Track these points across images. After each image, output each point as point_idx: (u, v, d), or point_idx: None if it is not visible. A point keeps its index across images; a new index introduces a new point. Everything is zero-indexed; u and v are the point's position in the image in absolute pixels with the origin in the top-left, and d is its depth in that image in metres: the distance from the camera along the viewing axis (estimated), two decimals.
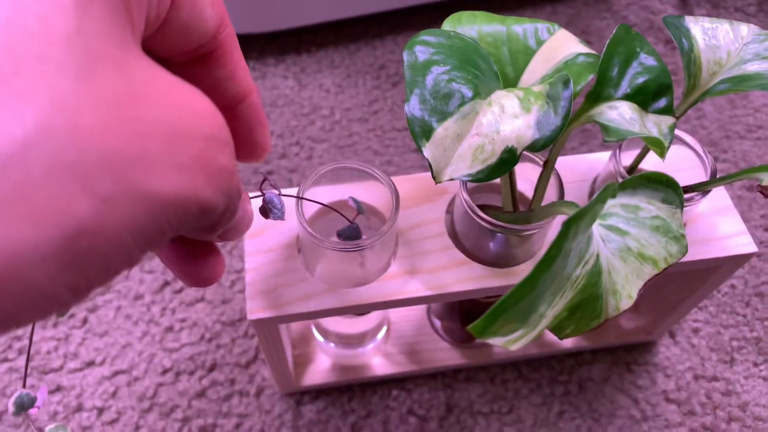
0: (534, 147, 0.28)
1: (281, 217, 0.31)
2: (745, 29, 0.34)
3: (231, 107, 0.24)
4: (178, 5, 0.20)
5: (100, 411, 0.47)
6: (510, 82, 0.33)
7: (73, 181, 0.13)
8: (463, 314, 0.46)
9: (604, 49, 0.30)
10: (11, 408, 0.28)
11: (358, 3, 0.66)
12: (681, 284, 0.43)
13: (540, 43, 0.33)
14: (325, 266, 0.36)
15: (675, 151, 0.37)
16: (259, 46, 0.69)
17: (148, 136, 0.14)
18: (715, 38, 0.34)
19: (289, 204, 0.33)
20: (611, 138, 0.29)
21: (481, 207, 0.40)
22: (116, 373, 0.49)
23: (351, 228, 0.33)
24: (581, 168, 0.40)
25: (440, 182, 0.28)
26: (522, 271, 0.36)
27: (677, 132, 0.36)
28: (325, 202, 0.37)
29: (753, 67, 0.33)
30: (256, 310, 0.34)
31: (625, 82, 0.31)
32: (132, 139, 0.14)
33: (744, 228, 0.38)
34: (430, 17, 0.71)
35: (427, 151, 0.27)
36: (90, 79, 0.13)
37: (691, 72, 0.33)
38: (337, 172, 0.35)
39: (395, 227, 0.35)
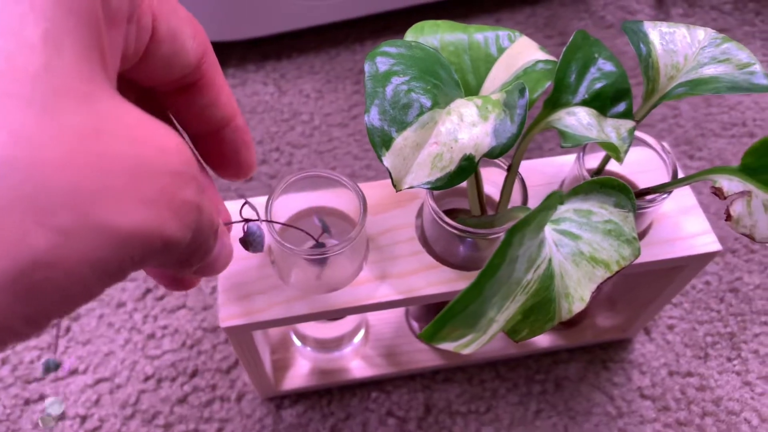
0: (492, 154, 0.28)
1: (261, 249, 0.32)
2: (702, 33, 0.35)
3: (216, 131, 0.25)
4: (158, 39, 0.21)
5: (83, 419, 0.48)
6: (472, 89, 0.34)
7: (29, 214, 0.13)
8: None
9: (561, 56, 0.31)
10: (40, 368, 0.31)
11: (338, 8, 0.67)
12: (651, 283, 0.44)
13: (501, 50, 0.34)
14: (299, 274, 0.36)
15: (640, 153, 0.38)
16: (240, 52, 0.69)
17: (111, 170, 0.14)
18: (673, 43, 0.34)
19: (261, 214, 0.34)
20: (567, 143, 0.30)
21: (451, 211, 0.41)
22: (99, 381, 0.49)
23: (318, 246, 0.34)
24: (549, 171, 0.41)
25: (400, 190, 0.28)
26: None
27: (641, 134, 0.37)
28: (296, 210, 0.38)
29: (709, 71, 0.33)
30: (228, 318, 0.35)
31: (582, 88, 0.32)
32: (94, 173, 0.14)
33: (708, 227, 0.39)
34: (408, 21, 0.72)
35: (387, 160, 0.28)
36: (55, 115, 0.14)
37: (650, 76, 0.34)
38: (306, 180, 0.35)
39: (364, 233, 0.35)
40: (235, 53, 0.69)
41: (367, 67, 0.29)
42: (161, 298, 0.53)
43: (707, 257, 0.39)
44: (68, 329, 0.51)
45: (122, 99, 0.16)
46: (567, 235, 0.26)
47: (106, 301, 0.53)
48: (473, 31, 0.34)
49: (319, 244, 0.34)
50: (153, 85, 0.23)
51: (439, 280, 0.37)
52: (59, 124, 0.14)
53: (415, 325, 0.50)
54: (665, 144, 0.37)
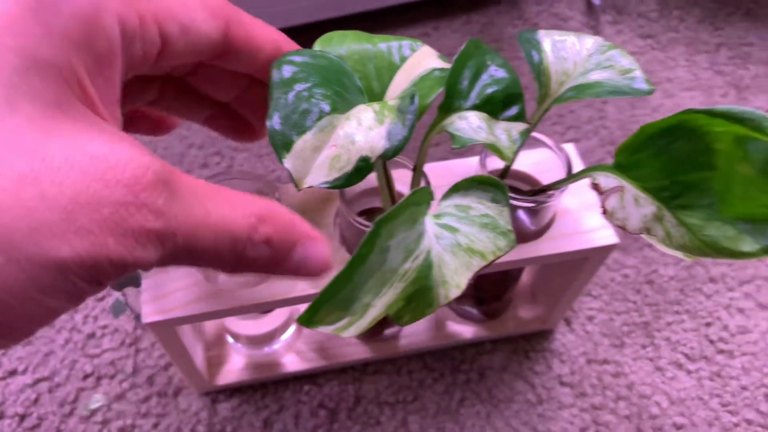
0: (386, 155, 0.31)
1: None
2: (590, 41, 0.37)
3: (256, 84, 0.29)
4: (171, 41, 0.23)
5: (22, 418, 0.49)
6: (377, 96, 0.36)
7: None
8: None
9: (452, 64, 0.33)
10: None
11: (298, 12, 0.68)
12: (563, 274, 0.47)
13: (403, 59, 0.36)
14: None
15: (545, 153, 0.41)
16: None
17: (46, 208, 0.17)
18: (564, 50, 0.37)
19: None
20: (456, 145, 0.32)
21: (370, 210, 0.43)
22: (38, 381, 0.51)
23: None
24: (459, 171, 0.43)
25: (301, 189, 0.30)
26: None
27: (539, 135, 0.40)
28: None
29: (594, 76, 0.36)
30: (150, 314, 0.37)
31: (474, 93, 0.34)
32: (27, 213, 0.16)
33: (606, 222, 0.42)
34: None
35: (288, 162, 0.30)
36: None
37: (542, 82, 0.36)
38: (225, 180, 0.37)
39: None
40: None
41: (273, 74, 0.32)
42: (101, 299, 0.55)
43: (606, 250, 0.41)
44: None
45: (88, 135, 0.18)
46: (447, 229, 0.29)
47: None
48: (378, 41, 0.37)
49: None
50: (180, 74, 0.25)
51: None
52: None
53: None
54: (562, 145, 0.40)
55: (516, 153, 0.35)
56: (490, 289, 0.50)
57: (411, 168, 0.37)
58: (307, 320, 0.24)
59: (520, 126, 0.35)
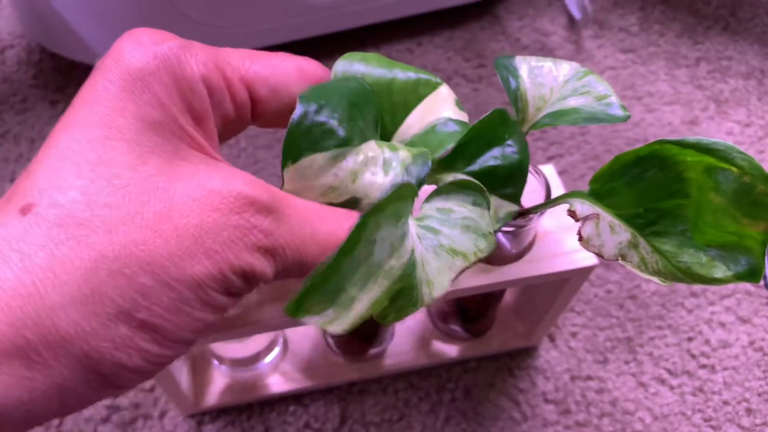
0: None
1: None
2: (567, 67, 0.38)
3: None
4: (261, 101, 0.27)
5: None
6: (388, 132, 0.35)
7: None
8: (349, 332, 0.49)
9: (472, 126, 0.33)
10: None
11: (283, 30, 0.69)
12: (545, 294, 0.47)
13: (420, 99, 0.35)
14: None
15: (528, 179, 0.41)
16: None
17: (179, 237, 0.21)
18: (541, 76, 0.37)
19: None
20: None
21: None
22: None
23: None
24: None
25: (282, 188, 0.29)
26: None
27: None
28: None
29: (571, 102, 0.37)
30: None
31: (480, 161, 0.34)
32: (165, 243, 0.21)
33: None
34: (329, 45, 0.74)
35: (289, 171, 0.28)
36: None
37: (519, 108, 0.37)
38: None
39: None
40: None
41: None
42: None
43: (587, 270, 0.42)
44: None
45: (206, 174, 0.23)
46: (429, 230, 0.29)
47: None
48: (398, 71, 0.34)
49: None
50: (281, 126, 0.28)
51: None
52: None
53: (330, 341, 0.52)
54: (539, 167, 0.40)
55: (496, 231, 0.35)
56: (474, 308, 0.50)
57: None
58: (294, 309, 0.24)
59: (511, 207, 0.35)
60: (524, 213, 0.39)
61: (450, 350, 0.52)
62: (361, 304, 0.26)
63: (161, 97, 0.23)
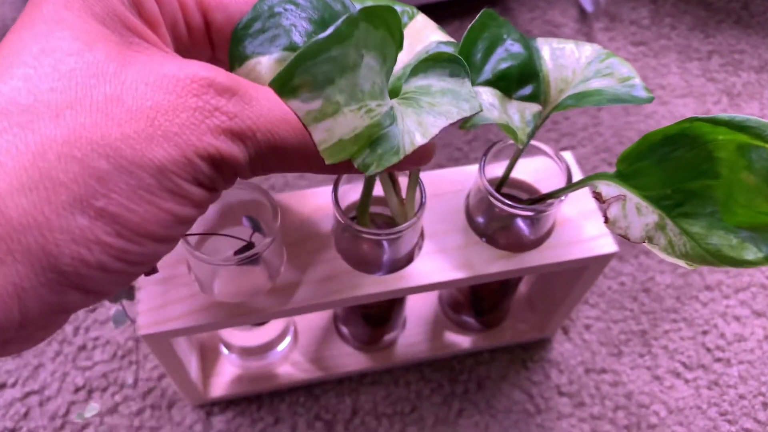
0: None
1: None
2: (589, 49, 0.37)
3: None
4: (217, 29, 0.25)
5: None
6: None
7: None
8: (362, 318, 0.48)
9: (465, 34, 0.32)
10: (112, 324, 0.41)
11: None
12: (560, 284, 0.46)
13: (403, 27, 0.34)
14: (224, 282, 0.37)
15: (544, 161, 0.40)
16: None
17: (132, 119, 0.20)
18: (563, 58, 0.37)
19: None
20: (466, 125, 0.31)
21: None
22: (28, 394, 0.50)
23: (248, 247, 0.35)
24: (459, 179, 0.43)
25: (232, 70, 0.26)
26: (412, 273, 0.39)
27: (538, 143, 0.39)
28: (217, 219, 0.39)
29: (594, 84, 0.36)
30: (145, 326, 0.36)
31: (488, 68, 0.33)
32: (118, 125, 0.20)
33: (606, 230, 0.41)
34: None
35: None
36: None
37: (541, 89, 0.36)
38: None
39: (279, 239, 0.37)
40: None
41: None
42: (93, 310, 0.54)
43: (606, 258, 0.41)
44: None
45: (160, 61, 0.21)
46: (410, 103, 0.27)
47: None
48: (370, 2, 0.33)
49: (250, 245, 0.35)
50: None
51: (353, 285, 0.38)
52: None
53: (343, 329, 0.51)
54: (561, 153, 0.39)
55: (530, 136, 0.34)
56: (488, 299, 0.49)
57: (406, 174, 0.37)
58: (280, 84, 0.22)
59: (534, 107, 0.34)
60: (544, 198, 0.38)
61: (462, 341, 0.52)
62: (345, 120, 0.23)
63: None
